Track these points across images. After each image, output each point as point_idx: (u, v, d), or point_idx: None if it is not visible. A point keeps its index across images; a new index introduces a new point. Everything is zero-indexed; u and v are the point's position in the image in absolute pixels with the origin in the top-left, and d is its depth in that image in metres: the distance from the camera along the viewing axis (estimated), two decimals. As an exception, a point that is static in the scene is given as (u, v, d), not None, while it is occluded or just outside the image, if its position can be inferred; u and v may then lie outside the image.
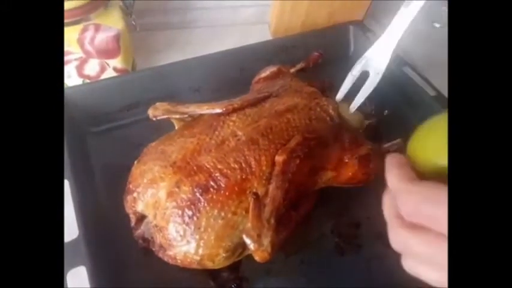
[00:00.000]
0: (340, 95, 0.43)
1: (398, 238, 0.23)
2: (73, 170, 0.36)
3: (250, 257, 0.33)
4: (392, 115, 0.47)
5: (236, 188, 0.30)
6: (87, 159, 0.41)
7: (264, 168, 0.32)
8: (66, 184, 0.35)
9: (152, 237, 0.31)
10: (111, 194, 0.37)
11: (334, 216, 0.40)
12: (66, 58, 0.45)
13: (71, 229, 0.32)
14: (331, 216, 0.40)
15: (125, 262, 0.34)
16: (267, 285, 0.35)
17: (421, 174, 0.24)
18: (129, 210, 0.33)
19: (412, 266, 0.23)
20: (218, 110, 0.35)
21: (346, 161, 0.37)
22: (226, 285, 0.34)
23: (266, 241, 0.29)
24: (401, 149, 0.42)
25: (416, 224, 0.22)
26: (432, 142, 0.25)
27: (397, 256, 0.38)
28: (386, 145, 0.41)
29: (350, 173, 0.37)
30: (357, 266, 0.37)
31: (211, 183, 0.30)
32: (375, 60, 0.41)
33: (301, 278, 0.35)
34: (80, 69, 0.47)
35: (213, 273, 0.34)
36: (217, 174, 0.30)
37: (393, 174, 0.24)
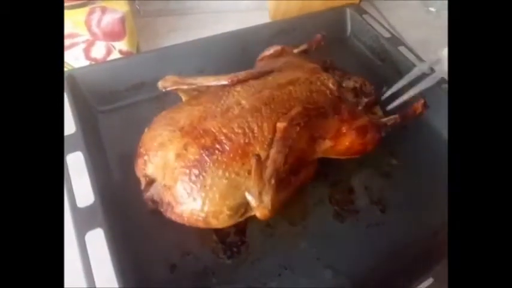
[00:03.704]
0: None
1: None
2: (86, 144, 0.38)
3: (254, 220, 0.35)
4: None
5: (239, 151, 0.32)
6: (98, 134, 0.43)
7: (266, 134, 0.34)
8: (81, 156, 0.37)
9: (161, 198, 0.33)
10: (121, 163, 0.40)
11: (329, 185, 0.41)
12: (73, 40, 0.47)
13: (88, 196, 0.34)
14: (326, 186, 0.41)
15: (137, 223, 0.36)
16: (271, 247, 0.36)
17: None
18: (139, 174, 0.35)
19: None
20: (224, 82, 0.37)
21: (344, 131, 0.39)
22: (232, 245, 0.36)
23: (266, 198, 0.31)
24: (398, 124, 0.44)
25: None
26: None
27: (393, 222, 0.40)
28: (384, 119, 0.43)
29: (347, 143, 0.39)
30: (356, 232, 0.39)
31: (217, 145, 0.32)
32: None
33: (302, 243, 0.37)
34: (87, 51, 0.49)
35: (221, 236, 0.36)
36: (222, 138, 0.32)
37: None
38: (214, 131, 0.33)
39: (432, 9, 0.72)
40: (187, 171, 0.31)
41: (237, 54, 0.51)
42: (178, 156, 0.32)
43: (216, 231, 0.36)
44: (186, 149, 0.32)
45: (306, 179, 0.38)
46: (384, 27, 0.58)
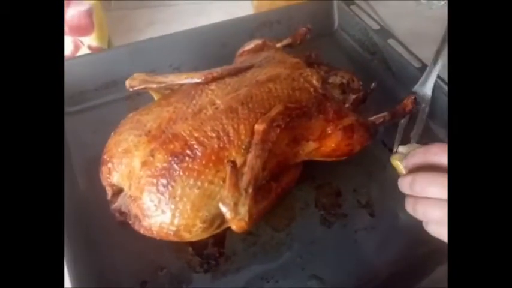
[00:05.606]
0: (400, 148, 0.40)
1: (417, 210, 0.29)
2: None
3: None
4: (378, 87, 0.46)
5: (213, 157, 0.29)
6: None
7: (242, 137, 0.31)
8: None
9: (129, 210, 0.30)
10: (88, 170, 0.36)
11: (315, 188, 0.39)
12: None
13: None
14: (312, 189, 0.39)
15: (103, 236, 0.33)
16: (253, 256, 0.34)
17: None
18: (104, 182, 0.32)
19: (434, 229, 0.29)
20: (197, 79, 0.34)
21: (329, 132, 0.36)
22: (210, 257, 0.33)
23: (243, 210, 0.28)
24: (388, 122, 0.41)
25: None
26: None
27: (383, 227, 0.38)
28: (372, 118, 0.40)
29: (333, 144, 0.36)
30: (344, 237, 0.36)
31: (187, 151, 0.29)
32: (421, 93, 0.44)
33: (286, 251, 0.35)
34: (52, 47, 0.45)
35: (197, 248, 0.34)
36: (193, 143, 0.29)
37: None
38: (184, 135, 0.30)
39: (423, 0, 0.70)
40: (155, 180, 0.28)
41: (217, 49, 0.48)
42: (144, 163, 0.29)
43: (192, 243, 0.33)
44: (153, 156, 0.29)
45: (289, 184, 0.36)
46: (372, 18, 0.55)
